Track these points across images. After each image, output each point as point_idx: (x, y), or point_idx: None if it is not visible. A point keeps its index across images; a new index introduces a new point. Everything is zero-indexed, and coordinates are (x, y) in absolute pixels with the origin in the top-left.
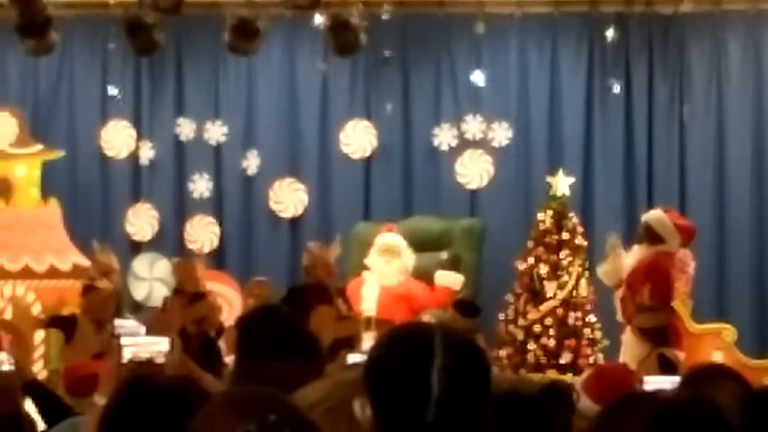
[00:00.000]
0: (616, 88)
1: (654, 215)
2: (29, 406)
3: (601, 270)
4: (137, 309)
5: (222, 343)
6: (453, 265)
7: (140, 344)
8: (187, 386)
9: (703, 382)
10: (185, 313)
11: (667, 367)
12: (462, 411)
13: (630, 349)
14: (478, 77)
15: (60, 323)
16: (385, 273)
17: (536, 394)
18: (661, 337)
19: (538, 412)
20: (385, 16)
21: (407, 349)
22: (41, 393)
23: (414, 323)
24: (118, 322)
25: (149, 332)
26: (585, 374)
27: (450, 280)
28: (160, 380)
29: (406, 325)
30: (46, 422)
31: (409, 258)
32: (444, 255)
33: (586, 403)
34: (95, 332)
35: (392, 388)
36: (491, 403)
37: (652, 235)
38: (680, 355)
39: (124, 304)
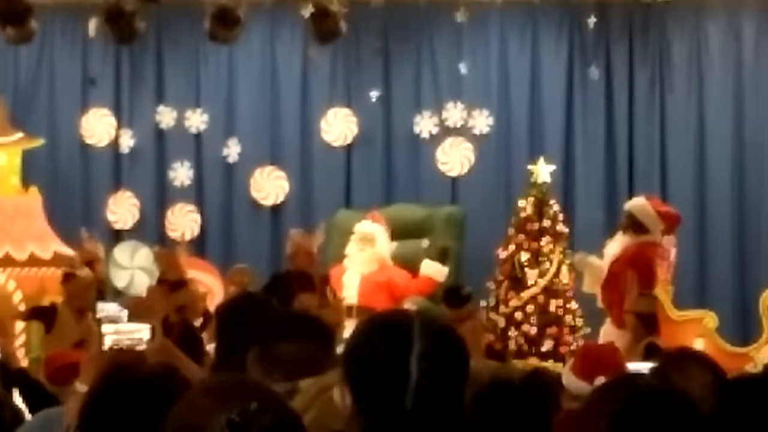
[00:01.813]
0: (595, 74)
1: (637, 203)
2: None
3: (585, 286)
4: (118, 297)
5: (207, 332)
6: (440, 256)
7: (121, 332)
8: (168, 374)
9: (675, 368)
10: (168, 301)
11: (652, 356)
12: (441, 397)
13: (609, 339)
14: (460, 66)
15: (39, 314)
16: (358, 261)
17: (520, 381)
18: (652, 323)
19: (523, 399)
20: (368, 4)
21: (386, 337)
22: (26, 382)
23: (393, 311)
24: (100, 305)
25: (131, 317)
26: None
27: (435, 271)
28: (141, 368)
29: (384, 313)
30: (30, 412)
31: (384, 246)
32: (425, 243)
33: (576, 384)
34: (76, 321)
35: (371, 375)
36: (477, 390)
37: (635, 224)
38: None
39: (106, 292)
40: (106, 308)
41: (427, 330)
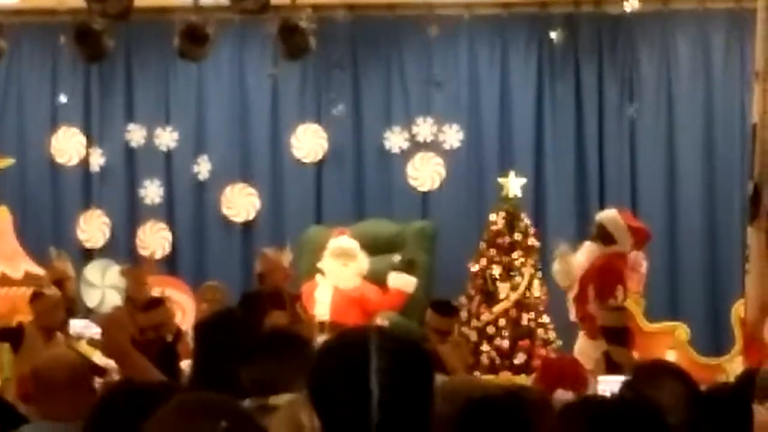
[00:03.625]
0: (563, 87)
1: (608, 215)
2: None
3: (554, 270)
4: (89, 316)
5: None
6: (407, 268)
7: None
8: (140, 391)
9: (647, 380)
10: (139, 319)
11: (613, 366)
12: (406, 411)
13: (583, 351)
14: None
15: (4, 335)
16: (342, 276)
17: (499, 397)
18: (622, 336)
19: (501, 416)
20: (337, 20)
21: (344, 356)
22: None
23: (349, 329)
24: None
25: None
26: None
27: (403, 282)
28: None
29: (341, 332)
30: None
31: (363, 261)
32: (397, 258)
33: None
34: (43, 340)
35: (334, 396)
36: (455, 406)
37: (604, 235)
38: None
39: (77, 311)
40: (75, 325)
41: (385, 345)
